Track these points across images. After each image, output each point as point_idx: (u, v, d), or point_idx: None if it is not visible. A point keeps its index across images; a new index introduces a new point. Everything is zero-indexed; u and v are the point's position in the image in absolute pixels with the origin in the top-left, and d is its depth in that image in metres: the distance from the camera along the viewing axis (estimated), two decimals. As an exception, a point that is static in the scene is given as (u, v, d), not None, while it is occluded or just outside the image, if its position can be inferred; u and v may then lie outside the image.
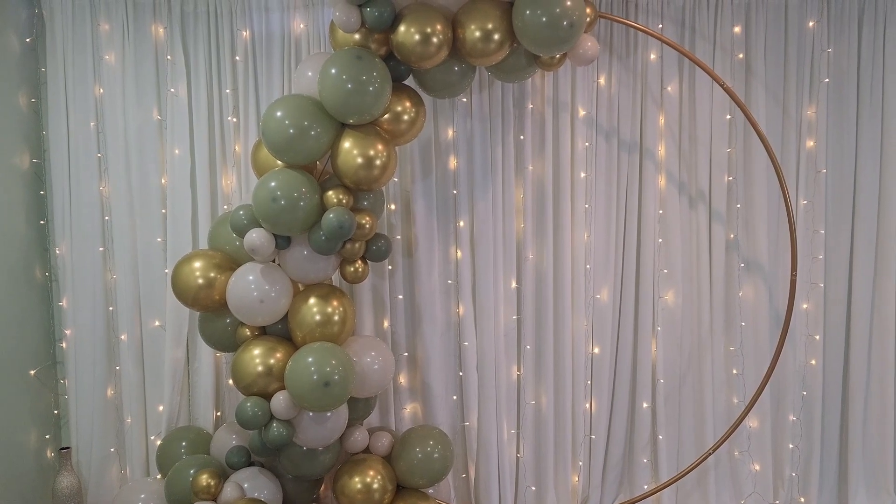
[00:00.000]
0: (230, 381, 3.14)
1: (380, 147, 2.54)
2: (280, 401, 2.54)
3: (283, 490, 2.83)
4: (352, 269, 2.69)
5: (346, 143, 2.52)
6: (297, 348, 2.63)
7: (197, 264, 2.69)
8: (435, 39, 2.48)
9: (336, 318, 2.64)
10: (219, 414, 3.21)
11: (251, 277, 2.59)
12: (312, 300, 2.64)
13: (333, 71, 2.44)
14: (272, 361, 2.58)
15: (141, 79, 3.05)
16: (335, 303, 2.65)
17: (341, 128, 2.57)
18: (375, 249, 2.72)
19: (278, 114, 2.46)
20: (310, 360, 2.48)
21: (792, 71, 3.09)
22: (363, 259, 2.72)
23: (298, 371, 2.48)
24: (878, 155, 3.14)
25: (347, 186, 2.60)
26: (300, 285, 2.77)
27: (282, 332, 2.73)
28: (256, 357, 2.59)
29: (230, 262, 2.74)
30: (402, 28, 2.49)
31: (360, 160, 2.51)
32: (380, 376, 2.76)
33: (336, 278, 3.02)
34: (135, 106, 3.05)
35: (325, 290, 2.68)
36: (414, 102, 2.68)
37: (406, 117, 2.66)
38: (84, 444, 3.15)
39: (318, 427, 2.60)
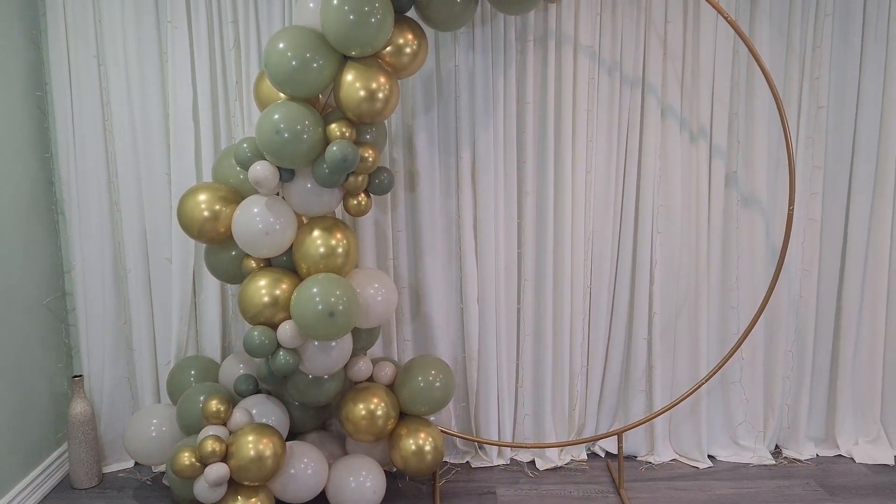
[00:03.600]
0: (237, 313, 3.21)
1: (382, 80, 2.54)
2: (286, 330, 2.60)
3: (290, 417, 2.93)
4: (355, 202, 2.71)
5: (349, 76, 2.52)
6: (301, 280, 2.68)
7: (202, 197, 2.72)
8: (437, -31, 2.44)
9: (340, 250, 2.68)
10: (225, 344, 3.29)
11: (256, 210, 2.62)
12: (316, 233, 2.67)
13: (335, 1, 2.42)
14: (278, 292, 2.63)
15: (140, 8, 3.01)
16: (339, 235, 2.69)
17: (344, 60, 2.56)
18: (378, 183, 2.74)
19: (280, 45, 2.44)
20: (315, 290, 2.53)
21: (797, 2, 3.05)
22: (366, 192, 2.74)
23: (304, 301, 2.53)
24: (880, 89, 3.12)
25: (350, 119, 2.60)
26: (304, 218, 2.81)
27: (287, 264, 2.77)
28: (262, 288, 2.64)
29: (235, 195, 2.77)
30: (404, -43, 2.45)
31: (362, 93, 2.50)
32: (383, 308, 2.82)
33: (339, 212, 3.06)
34: (134, 36, 3.01)
35: (329, 223, 2.71)
36: (416, 35, 2.66)
37: (408, 50, 2.63)
38: (96, 372, 3.24)
39: (324, 355, 2.67)
